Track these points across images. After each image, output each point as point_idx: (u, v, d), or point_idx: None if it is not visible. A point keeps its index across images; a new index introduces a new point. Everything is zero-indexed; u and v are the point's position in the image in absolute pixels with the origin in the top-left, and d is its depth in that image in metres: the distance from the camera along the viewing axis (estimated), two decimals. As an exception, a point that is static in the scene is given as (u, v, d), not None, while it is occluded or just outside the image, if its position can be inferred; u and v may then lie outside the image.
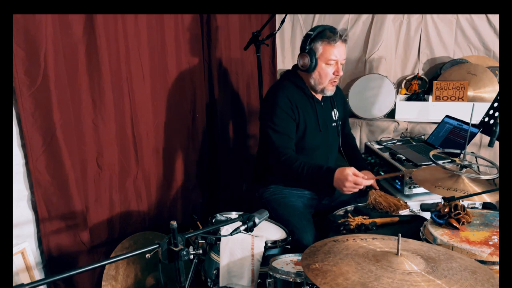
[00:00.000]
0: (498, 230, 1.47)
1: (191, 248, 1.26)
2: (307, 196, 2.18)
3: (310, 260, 1.23)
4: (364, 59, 3.24)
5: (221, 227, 1.64)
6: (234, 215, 1.93)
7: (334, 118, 2.21)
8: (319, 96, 2.15)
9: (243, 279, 1.65)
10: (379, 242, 1.33)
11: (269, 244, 1.70)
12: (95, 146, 2.02)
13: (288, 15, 3.14)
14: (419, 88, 3.15)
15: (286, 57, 3.50)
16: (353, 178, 1.85)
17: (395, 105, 3.01)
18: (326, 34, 1.97)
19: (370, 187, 2.10)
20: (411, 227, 1.71)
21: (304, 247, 1.41)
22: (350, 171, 1.86)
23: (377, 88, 3.04)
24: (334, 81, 2.06)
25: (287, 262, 1.62)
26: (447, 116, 2.57)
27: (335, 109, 2.22)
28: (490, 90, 2.88)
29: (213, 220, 1.86)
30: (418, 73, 3.19)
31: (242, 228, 1.34)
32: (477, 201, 1.78)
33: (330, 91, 2.09)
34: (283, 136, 2.04)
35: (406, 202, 2.00)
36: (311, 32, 2.00)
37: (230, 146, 2.99)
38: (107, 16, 1.95)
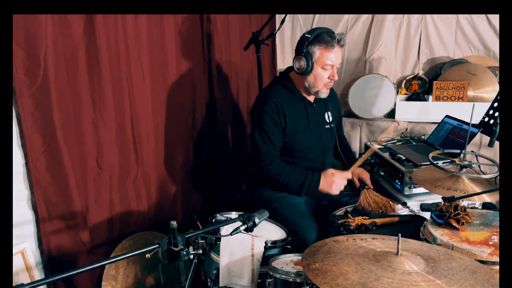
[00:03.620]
0: (498, 230, 1.47)
1: (191, 248, 1.26)
2: (306, 196, 2.18)
3: (310, 260, 1.23)
4: (364, 59, 3.24)
5: (221, 227, 1.64)
6: (234, 215, 1.93)
7: (328, 120, 2.22)
8: (311, 98, 2.16)
9: (243, 279, 1.65)
10: (379, 242, 1.33)
11: (269, 244, 1.71)
12: (95, 146, 2.02)
13: (288, 15, 3.14)
14: (419, 88, 3.15)
15: (286, 57, 3.50)
16: (340, 174, 2.05)
17: (395, 105, 3.01)
18: (324, 38, 1.95)
19: (363, 187, 2.10)
20: (411, 227, 1.71)
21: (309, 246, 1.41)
22: (332, 171, 2.06)
23: (377, 88, 3.04)
24: (329, 85, 2.08)
25: (287, 262, 1.63)
26: (447, 116, 2.57)
27: (328, 112, 2.23)
28: (490, 90, 2.88)
29: (213, 220, 1.86)
30: (418, 73, 3.19)
31: (242, 228, 1.34)
32: (477, 201, 1.78)
33: (324, 94, 2.10)
34: (269, 143, 2.06)
35: (404, 203, 2.01)
36: (309, 35, 1.97)
37: (230, 146, 2.99)
38: (107, 16, 1.95)
